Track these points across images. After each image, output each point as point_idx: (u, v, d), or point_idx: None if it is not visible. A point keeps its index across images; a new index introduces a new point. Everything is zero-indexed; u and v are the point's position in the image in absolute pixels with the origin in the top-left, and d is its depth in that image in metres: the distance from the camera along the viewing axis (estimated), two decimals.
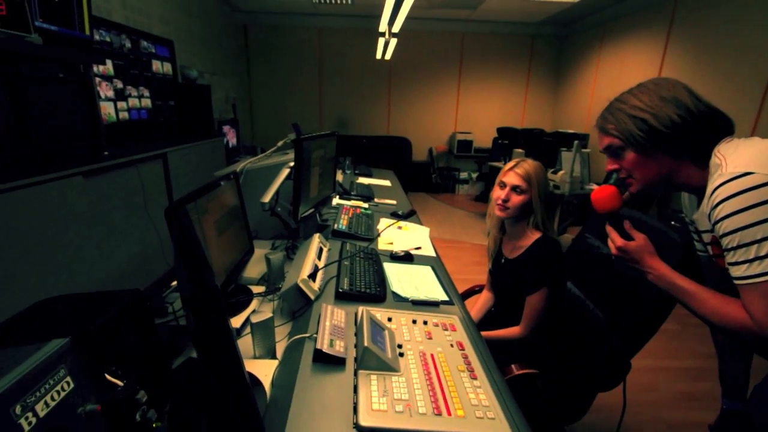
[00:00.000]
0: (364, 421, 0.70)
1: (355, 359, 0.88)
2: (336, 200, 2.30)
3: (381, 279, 1.30)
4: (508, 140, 5.39)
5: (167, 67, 3.06)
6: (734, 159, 0.74)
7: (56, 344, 0.47)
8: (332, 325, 0.96)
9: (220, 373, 0.55)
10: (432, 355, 0.92)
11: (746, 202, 0.68)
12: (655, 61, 4.33)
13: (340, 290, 1.17)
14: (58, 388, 0.46)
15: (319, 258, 1.35)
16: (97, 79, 2.17)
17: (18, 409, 0.41)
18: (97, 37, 2.22)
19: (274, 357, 0.97)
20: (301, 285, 1.13)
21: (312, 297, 1.14)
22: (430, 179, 6.77)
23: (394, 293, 1.25)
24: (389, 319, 1.05)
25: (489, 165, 5.73)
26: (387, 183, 3.19)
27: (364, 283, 1.23)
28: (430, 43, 6.25)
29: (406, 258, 1.55)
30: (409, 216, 2.13)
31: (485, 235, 1.56)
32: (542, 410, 1.17)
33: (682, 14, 4.01)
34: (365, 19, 5.85)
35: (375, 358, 0.83)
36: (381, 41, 3.76)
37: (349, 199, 2.30)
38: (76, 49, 1.77)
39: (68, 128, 1.81)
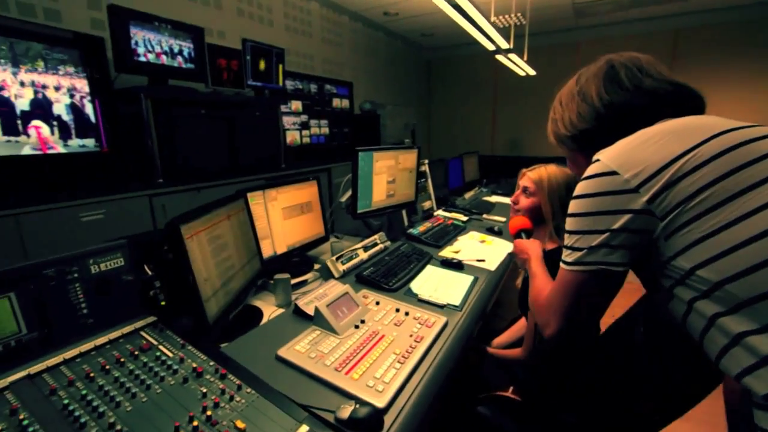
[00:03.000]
0: (281, 353, 0.92)
1: None
2: (438, 211, 2.44)
3: (406, 275, 1.42)
4: None
5: (345, 103, 3.95)
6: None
7: (120, 242, 0.93)
8: (323, 293, 1.20)
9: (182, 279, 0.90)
10: (383, 336, 1.02)
11: (578, 189, 0.67)
12: None
13: (362, 274, 1.38)
14: (116, 261, 0.91)
15: (367, 250, 1.59)
16: (285, 117, 3.13)
17: (91, 261, 0.87)
18: (290, 86, 3.20)
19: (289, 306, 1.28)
20: (329, 263, 1.41)
21: (336, 275, 1.40)
22: None
23: (409, 288, 1.35)
24: (377, 303, 1.19)
25: None
26: None
27: (385, 275, 1.39)
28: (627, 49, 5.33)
29: (456, 265, 1.58)
30: (498, 233, 2.07)
31: None
32: None
33: None
34: (540, 37, 5.58)
35: (322, 319, 1.02)
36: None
37: (450, 212, 2.40)
38: (267, 97, 2.67)
39: (260, 148, 2.72)
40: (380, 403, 0.78)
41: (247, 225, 1.28)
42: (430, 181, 2.55)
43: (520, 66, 3.64)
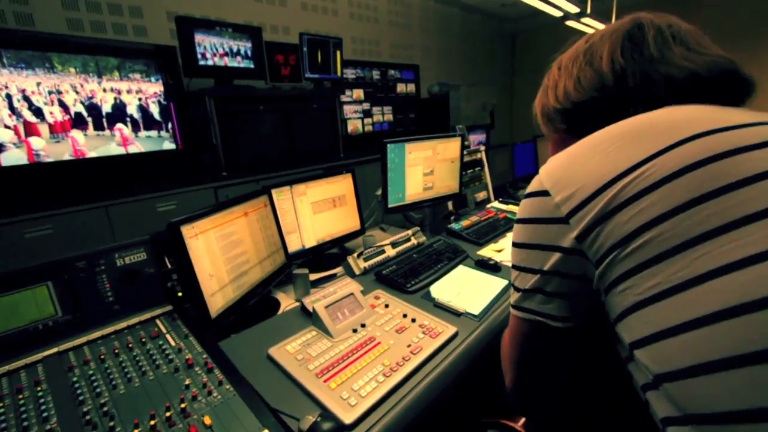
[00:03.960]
0: (271, 351, 0.94)
1: None
2: (493, 203, 2.24)
3: (429, 276, 1.33)
4: None
5: (410, 87, 3.84)
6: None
7: (143, 238, 1.04)
8: (332, 291, 1.19)
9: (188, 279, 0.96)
10: (378, 343, 0.98)
11: (519, 211, 0.54)
12: None
13: (381, 273, 1.34)
14: (139, 255, 1.02)
15: (396, 246, 1.53)
16: (346, 107, 3.16)
17: (116, 255, 0.99)
18: (351, 75, 3.21)
19: None
20: (350, 260, 1.39)
21: (356, 272, 1.38)
22: None
23: (428, 292, 1.27)
24: (386, 306, 1.14)
25: None
26: None
27: (406, 275, 1.33)
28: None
29: (492, 267, 1.43)
30: None
31: None
32: None
33: None
34: None
35: (319, 320, 1.01)
36: None
37: (507, 204, 2.19)
38: (326, 88, 2.72)
39: (318, 139, 2.80)
40: (347, 418, 0.75)
41: (269, 220, 1.33)
42: (486, 169, 2.35)
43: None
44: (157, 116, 2.10)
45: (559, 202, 0.45)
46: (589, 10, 2.15)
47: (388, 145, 1.50)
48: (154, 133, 2.13)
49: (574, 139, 0.56)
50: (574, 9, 2.07)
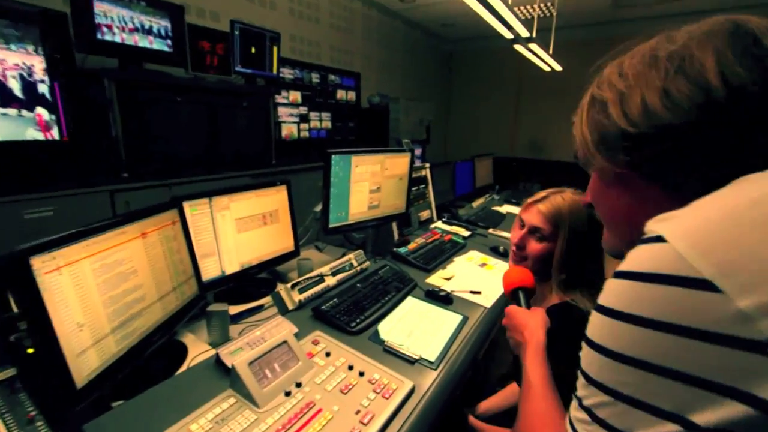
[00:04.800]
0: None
1: None
2: (437, 223, 2.16)
3: (376, 312, 1.16)
4: None
5: (351, 95, 3.67)
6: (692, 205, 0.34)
7: None
8: (259, 337, 0.95)
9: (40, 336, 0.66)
10: (319, 410, 0.76)
11: (621, 295, 0.34)
12: None
13: (320, 308, 1.12)
14: None
15: (336, 274, 1.33)
16: (281, 109, 2.89)
17: None
18: (289, 75, 2.95)
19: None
20: (282, 292, 1.15)
21: (289, 306, 1.15)
22: None
23: (377, 330, 1.09)
24: (328, 354, 0.93)
25: None
26: None
27: (349, 310, 1.13)
28: None
29: (443, 299, 1.30)
30: (503, 254, 1.77)
31: None
32: None
33: None
34: (570, 31, 5.13)
35: (240, 382, 0.77)
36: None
37: (451, 224, 2.11)
38: (260, 86, 2.43)
39: (247, 141, 2.48)
40: None
41: (178, 241, 1.04)
42: (430, 187, 2.26)
43: (543, 59, 3.27)
44: (18, 92, 1.59)
45: (748, 311, 0.27)
46: (534, 34, 2.21)
47: (333, 157, 1.30)
48: (12, 111, 1.61)
49: (647, 183, 0.40)
50: (524, 33, 2.11)
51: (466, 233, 2.01)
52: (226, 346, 0.89)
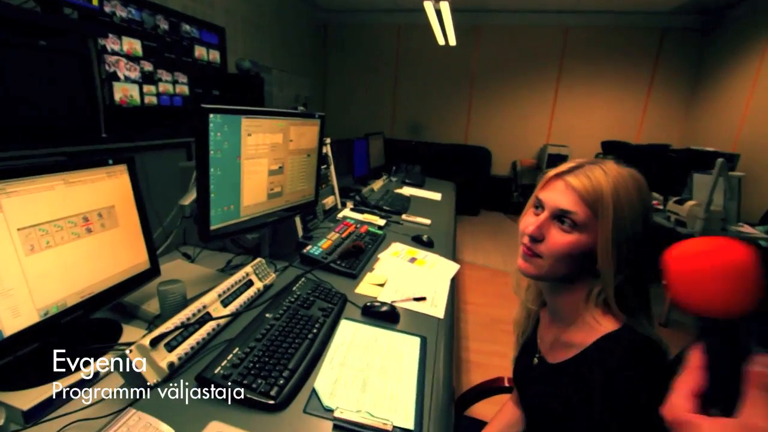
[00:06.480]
0: None
1: None
2: (345, 212, 1.80)
3: (303, 358, 0.75)
4: (616, 156, 4.29)
5: (214, 55, 2.92)
6: None
7: None
8: None
9: None
10: None
11: None
12: None
13: (209, 377, 0.65)
14: None
15: (228, 303, 0.85)
16: (115, 58, 2.04)
17: None
18: (122, 14, 2.10)
19: None
20: (136, 354, 0.63)
21: (151, 380, 0.64)
22: (511, 197, 5.86)
23: (314, 391, 0.69)
24: None
25: None
26: (436, 197, 2.58)
27: (259, 365, 0.70)
28: (523, 41, 5.41)
29: (387, 316, 0.97)
30: (428, 244, 1.53)
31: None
32: None
33: None
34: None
35: None
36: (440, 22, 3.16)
37: (362, 212, 1.78)
38: (71, 20, 1.59)
39: (55, 104, 1.63)
40: None
41: None
42: (332, 168, 1.87)
43: (446, 28, 3.14)
44: None
45: None
46: None
47: (212, 117, 0.80)
48: None
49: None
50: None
51: (382, 222, 1.71)
52: None
